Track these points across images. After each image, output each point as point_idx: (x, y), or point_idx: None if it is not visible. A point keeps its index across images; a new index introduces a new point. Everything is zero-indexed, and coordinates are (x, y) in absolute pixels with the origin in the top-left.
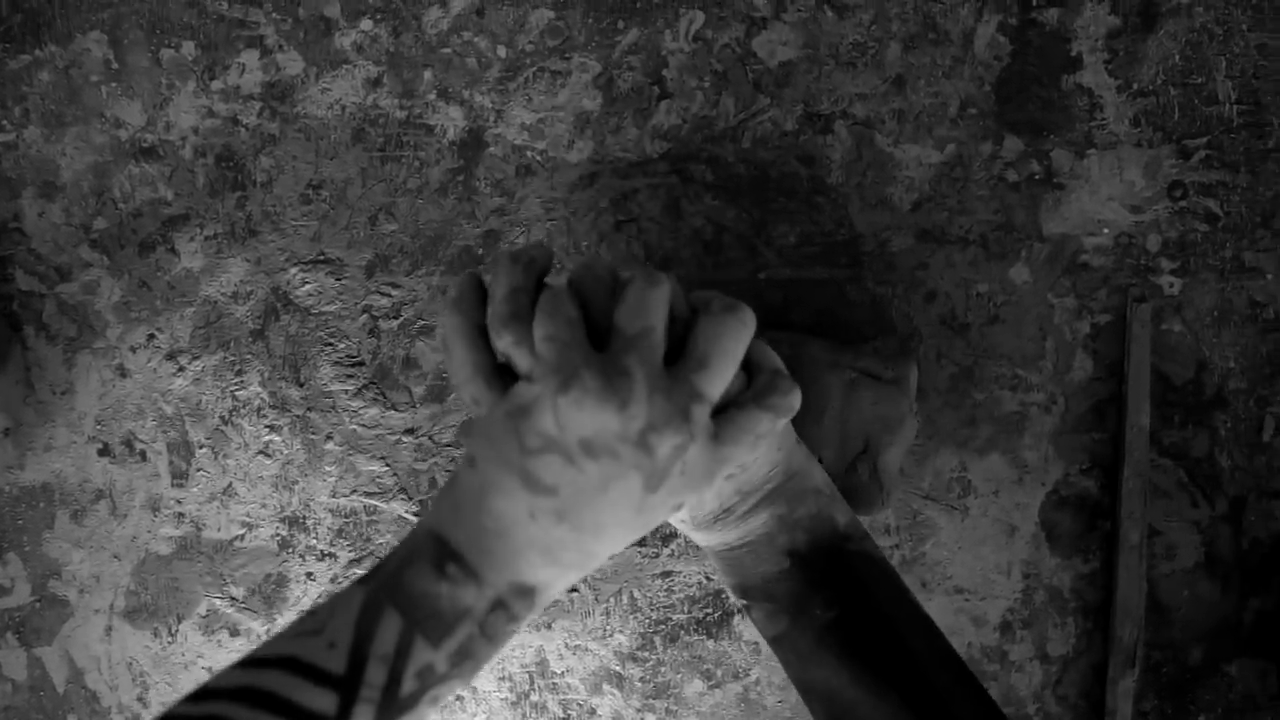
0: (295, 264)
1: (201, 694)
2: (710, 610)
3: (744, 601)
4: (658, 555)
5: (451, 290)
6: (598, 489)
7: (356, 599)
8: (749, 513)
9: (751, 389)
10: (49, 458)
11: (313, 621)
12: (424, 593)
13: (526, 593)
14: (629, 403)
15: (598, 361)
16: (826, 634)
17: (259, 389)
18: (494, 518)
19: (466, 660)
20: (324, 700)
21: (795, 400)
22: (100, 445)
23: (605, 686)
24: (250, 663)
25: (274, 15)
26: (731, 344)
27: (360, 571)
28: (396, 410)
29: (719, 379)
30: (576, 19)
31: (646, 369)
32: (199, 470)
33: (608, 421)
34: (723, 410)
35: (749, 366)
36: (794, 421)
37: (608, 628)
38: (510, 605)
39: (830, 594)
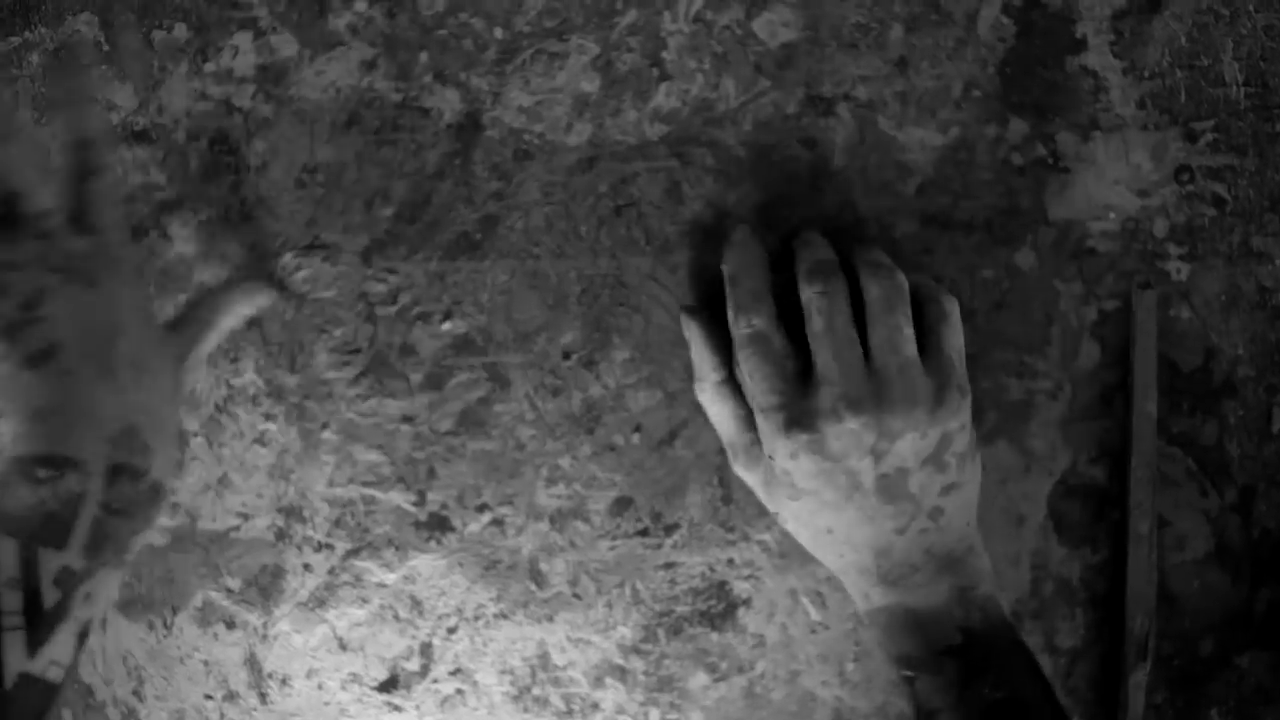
0: (290, 249)
1: None
2: (714, 602)
3: (909, 673)
4: (660, 546)
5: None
6: (76, 314)
7: None
8: (934, 577)
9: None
10: None
11: None
12: (25, 506)
13: (132, 437)
14: None
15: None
16: (991, 714)
17: (254, 376)
18: (30, 405)
19: (106, 545)
20: None
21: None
22: None
23: (608, 680)
24: None
25: None
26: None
27: (358, 563)
28: (394, 398)
29: None
30: (574, 0)
31: None
32: (193, 459)
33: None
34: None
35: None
36: None
37: (610, 620)
38: (127, 463)
39: (999, 676)
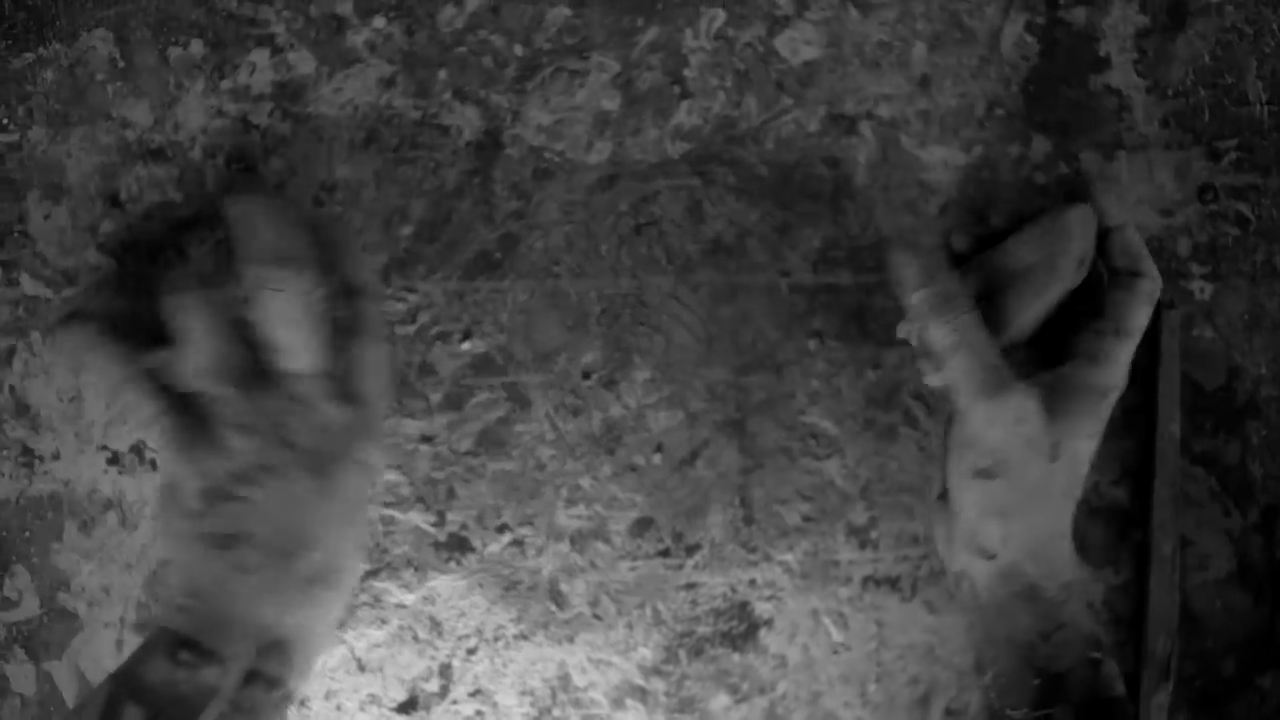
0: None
1: None
2: (736, 623)
3: (1098, 654)
4: (681, 567)
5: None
6: (276, 510)
7: (100, 696)
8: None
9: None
10: (57, 467)
11: None
12: (161, 682)
13: (276, 651)
14: None
15: None
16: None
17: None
18: (197, 590)
19: None
20: None
21: None
22: (109, 454)
23: (628, 701)
24: None
25: (284, 13)
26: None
27: (376, 583)
28: (413, 418)
29: None
30: (595, 17)
31: None
32: None
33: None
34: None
35: None
36: None
37: (630, 641)
38: (265, 672)
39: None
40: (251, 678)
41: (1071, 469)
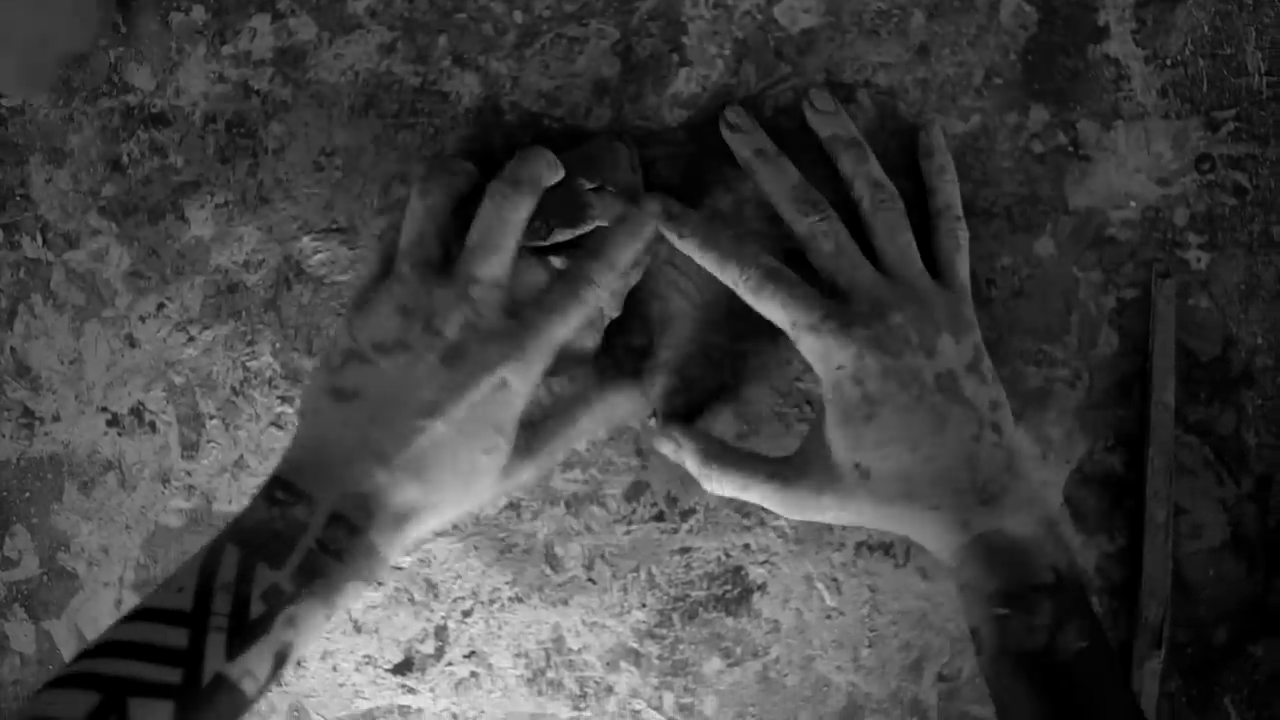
0: (308, 232)
1: (74, 658)
2: (729, 587)
3: (1003, 610)
4: (676, 531)
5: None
6: (395, 381)
7: (202, 549)
8: (1025, 503)
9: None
10: (57, 428)
11: (167, 580)
12: (257, 522)
13: (360, 501)
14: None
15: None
16: (1078, 662)
17: (270, 359)
18: (310, 436)
19: (316, 578)
20: (176, 636)
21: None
22: (109, 416)
23: (622, 664)
24: (115, 623)
25: None
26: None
27: None
28: None
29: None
30: None
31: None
32: (210, 442)
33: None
34: None
35: None
36: None
37: (625, 604)
38: (349, 516)
39: (1083, 624)
40: (334, 520)
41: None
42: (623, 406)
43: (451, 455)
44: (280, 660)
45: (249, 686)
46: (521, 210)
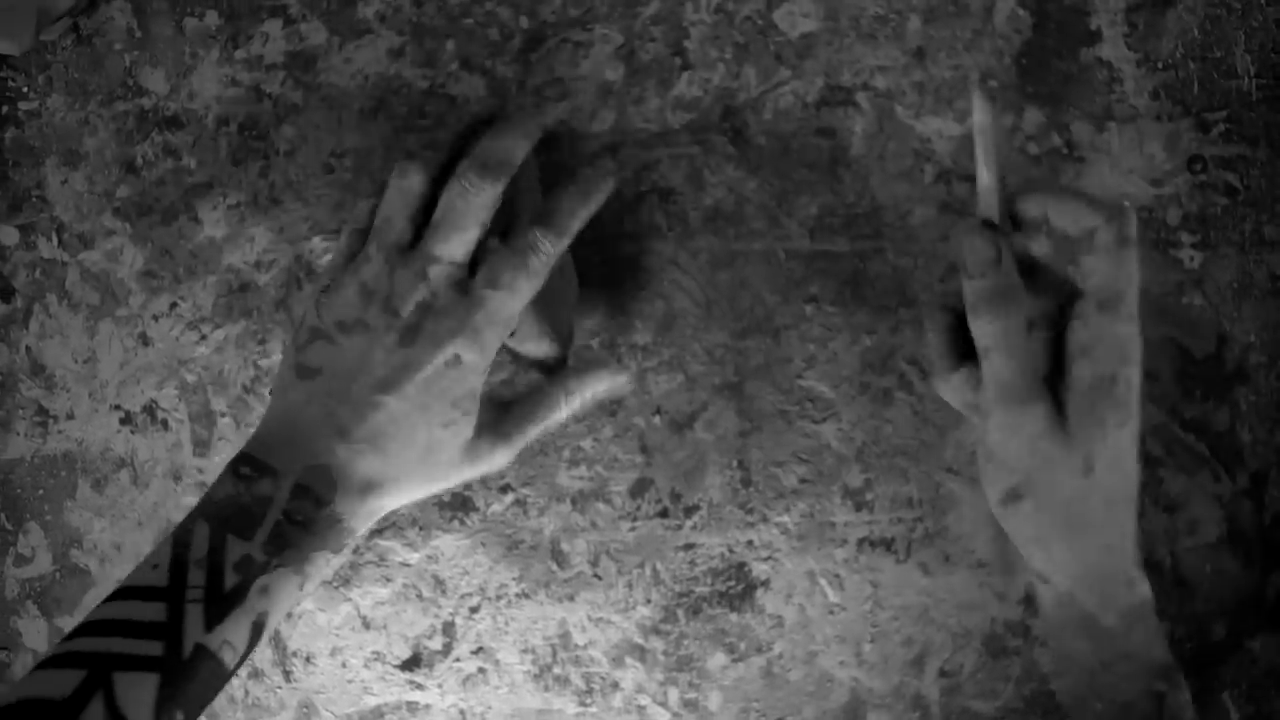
0: (318, 233)
1: (58, 642)
2: (733, 583)
3: (1163, 687)
4: (680, 527)
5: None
6: (355, 358)
7: (174, 527)
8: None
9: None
10: (71, 426)
11: (142, 560)
12: (225, 496)
13: (323, 474)
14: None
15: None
16: None
17: (281, 358)
18: (276, 413)
19: (287, 548)
20: (154, 611)
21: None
22: (122, 414)
23: (627, 659)
24: (96, 606)
25: None
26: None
27: (382, 542)
28: None
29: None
30: None
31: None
32: (221, 439)
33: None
34: None
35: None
36: None
37: (630, 600)
38: (313, 488)
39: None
40: (299, 492)
41: (1115, 472)
42: (601, 383)
43: (409, 430)
44: (257, 630)
45: (228, 656)
46: (485, 193)
